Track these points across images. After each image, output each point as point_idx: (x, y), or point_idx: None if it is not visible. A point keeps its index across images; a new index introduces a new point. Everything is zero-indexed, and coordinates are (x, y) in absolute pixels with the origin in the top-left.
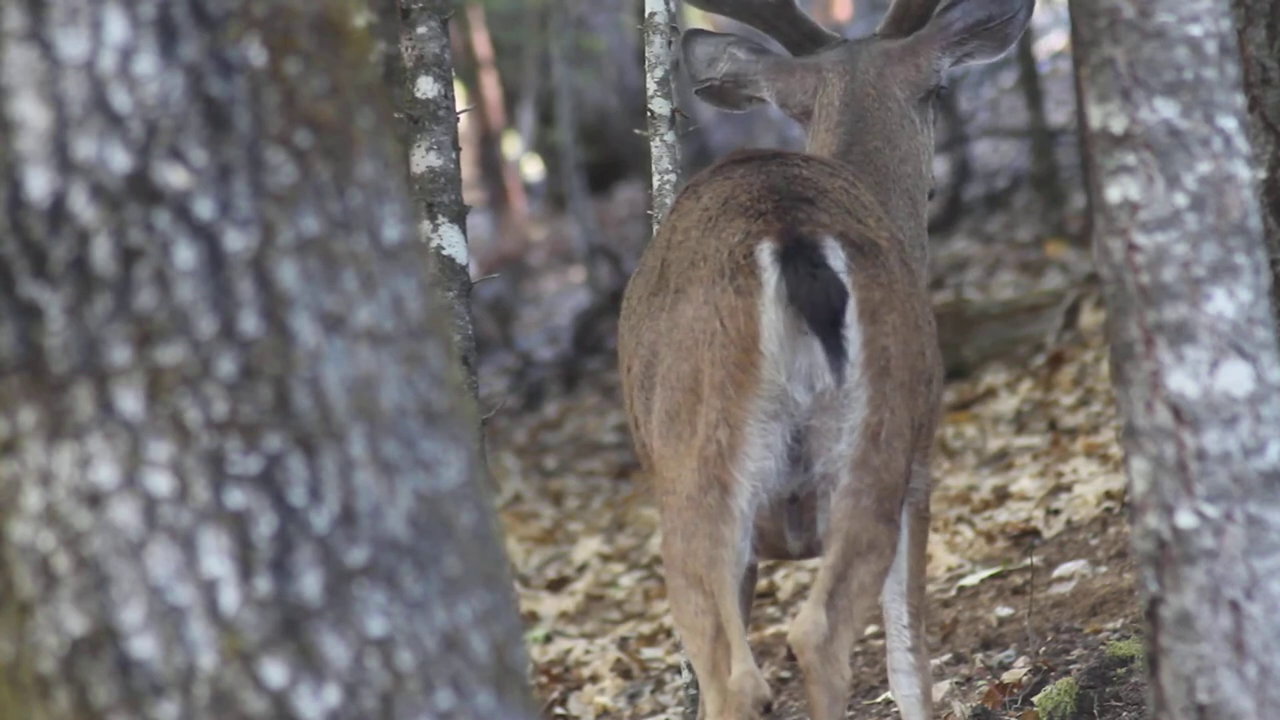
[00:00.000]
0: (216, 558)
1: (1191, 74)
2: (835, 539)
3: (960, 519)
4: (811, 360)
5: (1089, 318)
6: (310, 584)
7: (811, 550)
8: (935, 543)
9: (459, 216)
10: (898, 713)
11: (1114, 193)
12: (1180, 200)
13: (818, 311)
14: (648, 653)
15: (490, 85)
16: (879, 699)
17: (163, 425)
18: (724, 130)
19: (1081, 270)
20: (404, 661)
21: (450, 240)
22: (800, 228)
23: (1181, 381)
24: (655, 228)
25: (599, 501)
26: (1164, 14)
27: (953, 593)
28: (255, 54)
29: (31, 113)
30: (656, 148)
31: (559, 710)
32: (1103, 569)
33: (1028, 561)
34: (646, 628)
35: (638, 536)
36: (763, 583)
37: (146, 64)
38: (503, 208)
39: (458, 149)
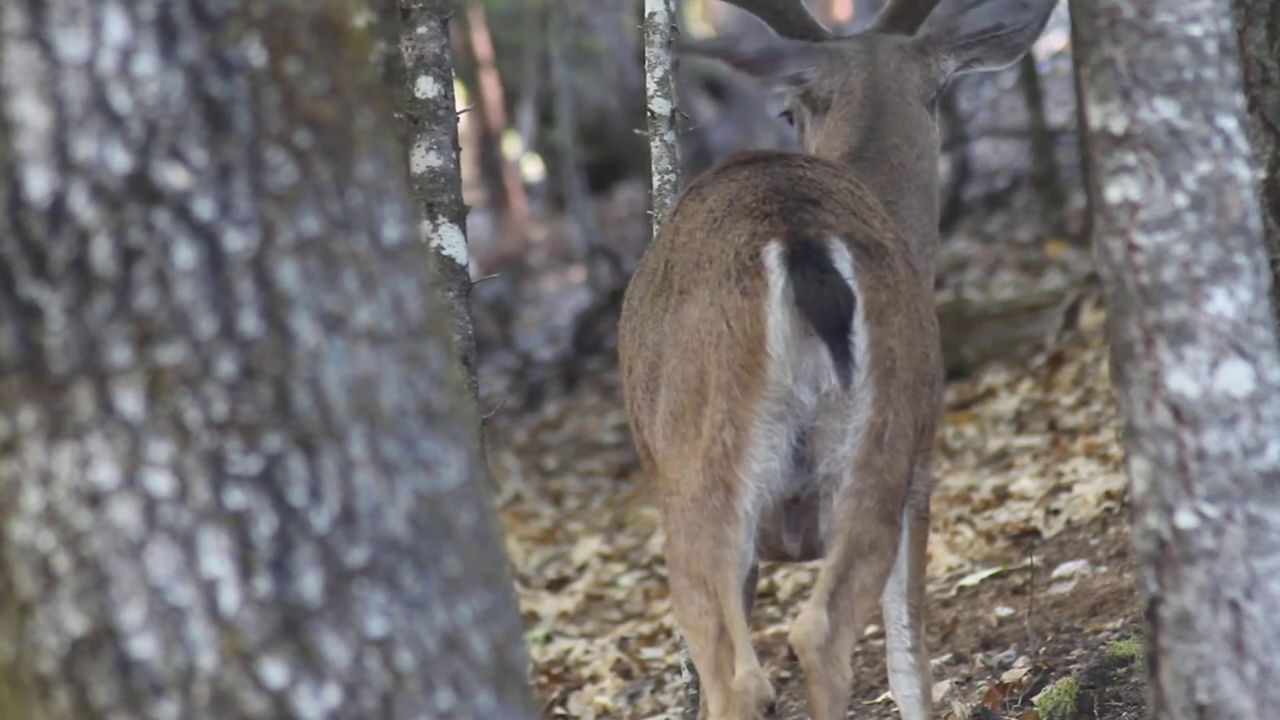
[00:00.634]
0: (216, 558)
1: (1191, 74)
2: (837, 540)
3: (960, 519)
4: (817, 361)
5: (1089, 318)
6: (310, 584)
7: (810, 552)
8: (935, 543)
9: (459, 216)
10: (898, 713)
11: (1114, 193)
12: (1180, 200)
13: (826, 317)
14: (648, 653)
15: (490, 85)
16: (879, 699)
17: (163, 425)
18: (724, 130)
19: (1081, 270)
20: (404, 661)
21: (450, 240)
22: (806, 230)
23: (1181, 381)
24: (655, 228)
25: (599, 501)
26: (1164, 14)
27: (953, 593)
28: (255, 54)
29: (31, 113)
30: (656, 148)
31: (559, 710)
32: (1103, 569)
33: (1028, 561)
34: (646, 628)
35: (638, 536)
36: (763, 583)
37: (146, 64)
38: (503, 208)
39: (458, 149)
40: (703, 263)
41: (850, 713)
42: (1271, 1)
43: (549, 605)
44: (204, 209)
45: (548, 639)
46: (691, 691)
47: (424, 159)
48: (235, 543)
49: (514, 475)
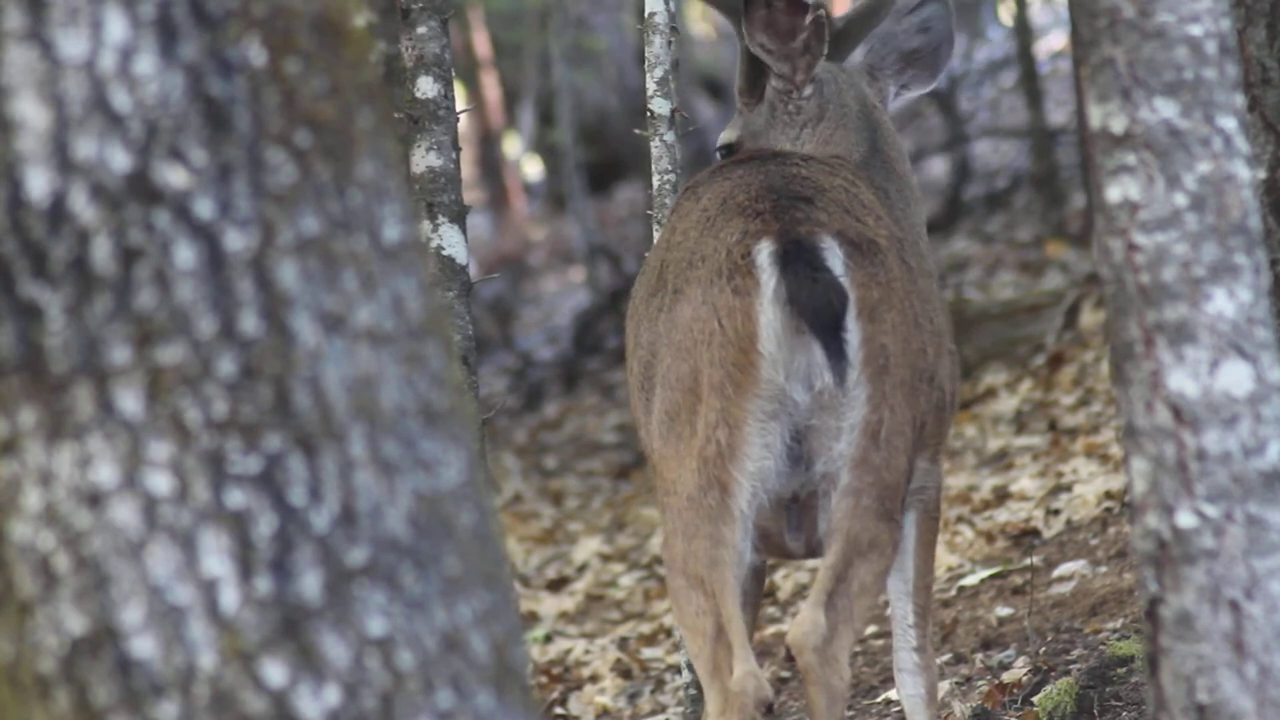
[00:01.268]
0: (216, 558)
1: (1191, 74)
2: (835, 538)
3: (960, 519)
4: (810, 359)
5: (1089, 318)
6: (310, 584)
7: (813, 550)
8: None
9: (459, 216)
10: (899, 712)
11: (1114, 193)
12: (1180, 200)
13: (818, 315)
14: (648, 653)
15: (490, 85)
16: (879, 699)
17: (163, 425)
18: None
19: (1081, 270)
20: (404, 661)
21: (450, 240)
22: (798, 228)
23: (1181, 381)
24: (655, 228)
25: (599, 501)
26: (1164, 14)
27: (953, 593)
28: (255, 54)
29: (31, 113)
30: (656, 148)
31: (559, 710)
32: (1103, 569)
33: (1028, 561)
34: (646, 628)
35: (638, 536)
36: None
37: (146, 64)
38: (503, 208)
39: (458, 149)
40: (695, 262)
41: (850, 713)
42: (1271, 1)
43: (549, 605)
44: (204, 209)
45: (548, 639)
46: (691, 691)
47: (424, 159)
48: (235, 543)
49: (514, 475)
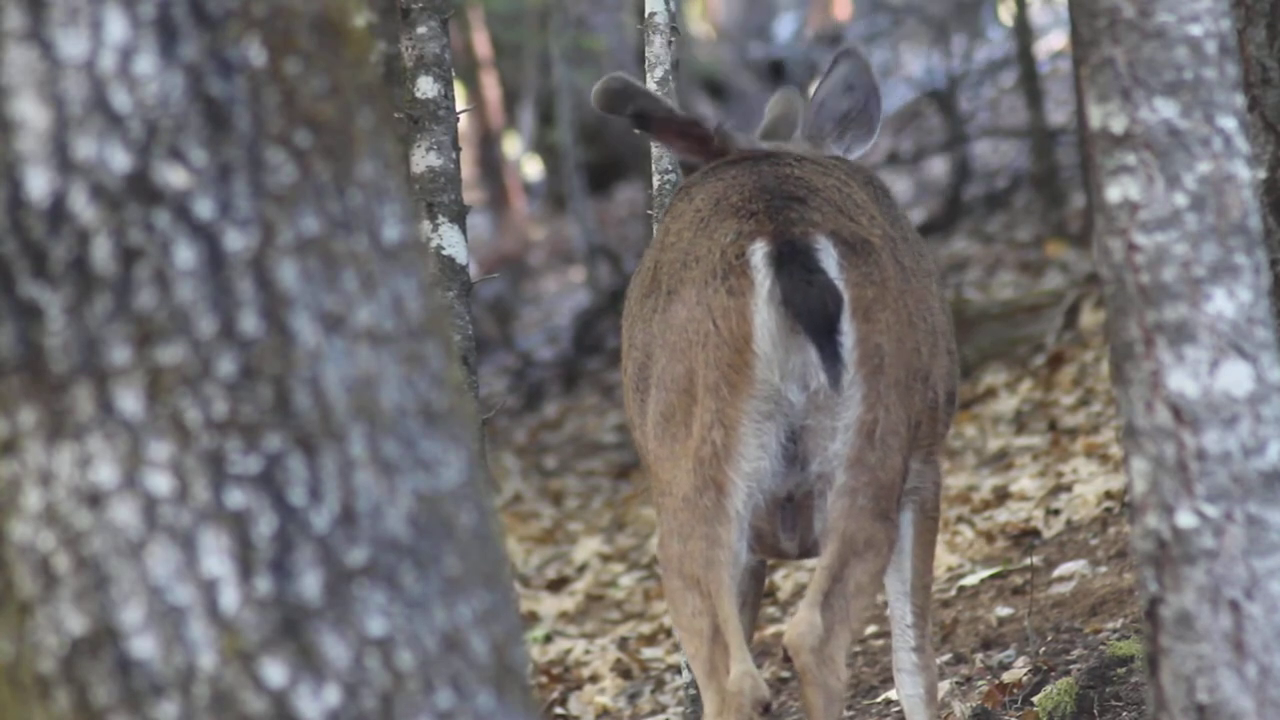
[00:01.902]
0: (216, 558)
1: (1191, 74)
2: (831, 539)
3: (960, 519)
4: (805, 359)
5: (1089, 318)
6: (310, 584)
7: (807, 551)
8: (936, 542)
9: (459, 216)
10: (899, 712)
11: (1114, 193)
12: (1180, 200)
13: (813, 317)
14: (648, 653)
15: (490, 85)
16: (879, 699)
17: (163, 425)
18: None
19: (1081, 270)
20: (404, 661)
21: (450, 240)
22: (792, 228)
23: (1181, 381)
24: (655, 228)
25: (599, 501)
26: (1164, 14)
27: (953, 593)
28: (255, 54)
29: (31, 113)
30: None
31: (559, 710)
32: (1103, 569)
33: (1028, 561)
34: (646, 628)
35: (638, 536)
36: None
37: (146, 64)
38: (503, 208)
39: (458, 149)
40: (689, 262)
41: (850, 713)
42: (1271, 1)
43: (549, 605)
44: (204, 209)
45: (548, 639)
46: (691, 692)
47: (424, 159)
48: (235, 543)
49: (514, 475)
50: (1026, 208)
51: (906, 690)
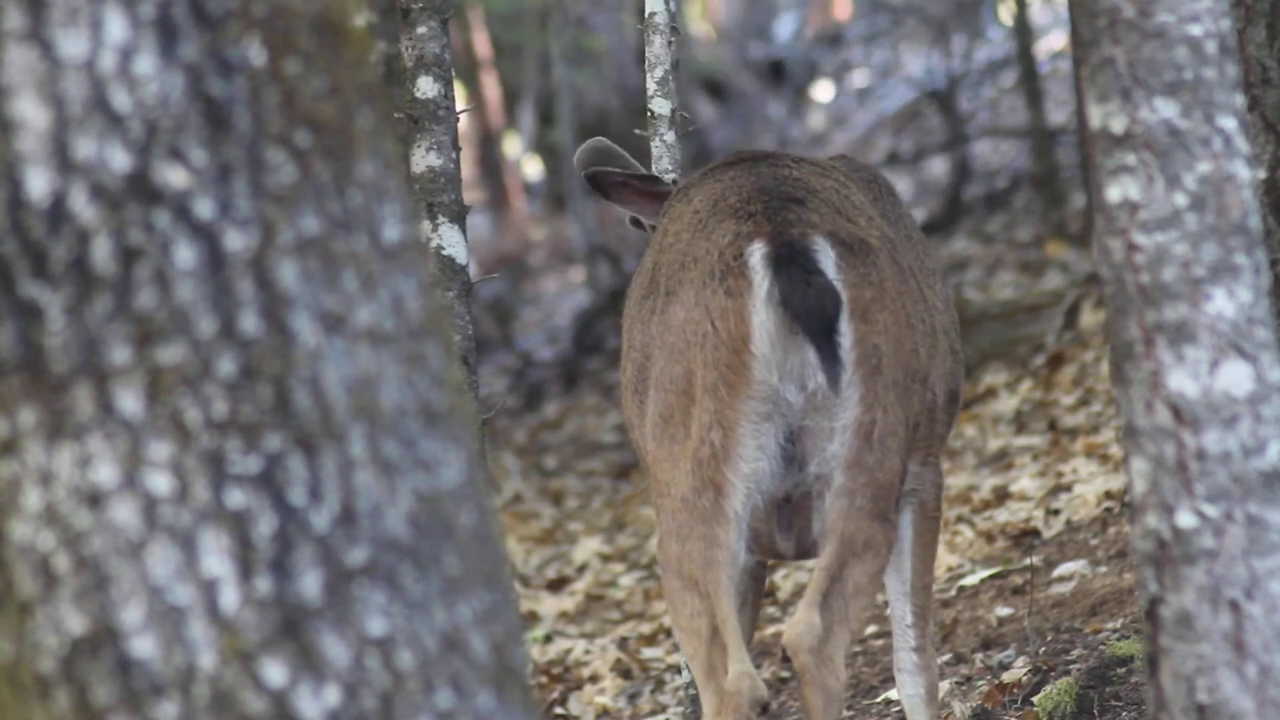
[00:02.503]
0: (216, 558)
1: (1191, 74)
2: (830, 539)
3: (960, 519)
4: (803, 360)
5: (1089, 318)
6: (310, 584)
7: (804, 551)
8: (938, 542)
9: (459, 216)
10: (899, 712)
11: (1114, 193)
12: (1180, 200)
13: (811, 318)
14: (648, 653)
15: (490, 85)
16: (879, 699)
17: (163, 425)
18: (724, 130)
19: (1081, 270)
20: (404, 661)
21: (450, 240)
22: (790, 229)
23: (1181, 381)
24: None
25: (599, 501)
26: (1164, 14)
27: (953, 593)
28: (255, 54)
29: (31, 113)
30: (656, 148)
31: (559, 710)
32: (1103, 569)
33: (1028, 561)
34: (646, 628)
35: (638, 536)
36: None
37: (146, 64)
38: (503, 208)
39: (458, 149)
40: (688, 263)
41: (850, 713)
42: (1271, 1)
43: (549, 605)
44: (204, 209)
45: (548, 639)
46: (691, 692)
47: (424, 159)
48: (235, 543)
49: (514, 475)
50: (1026, 208)
51: (907, 690)
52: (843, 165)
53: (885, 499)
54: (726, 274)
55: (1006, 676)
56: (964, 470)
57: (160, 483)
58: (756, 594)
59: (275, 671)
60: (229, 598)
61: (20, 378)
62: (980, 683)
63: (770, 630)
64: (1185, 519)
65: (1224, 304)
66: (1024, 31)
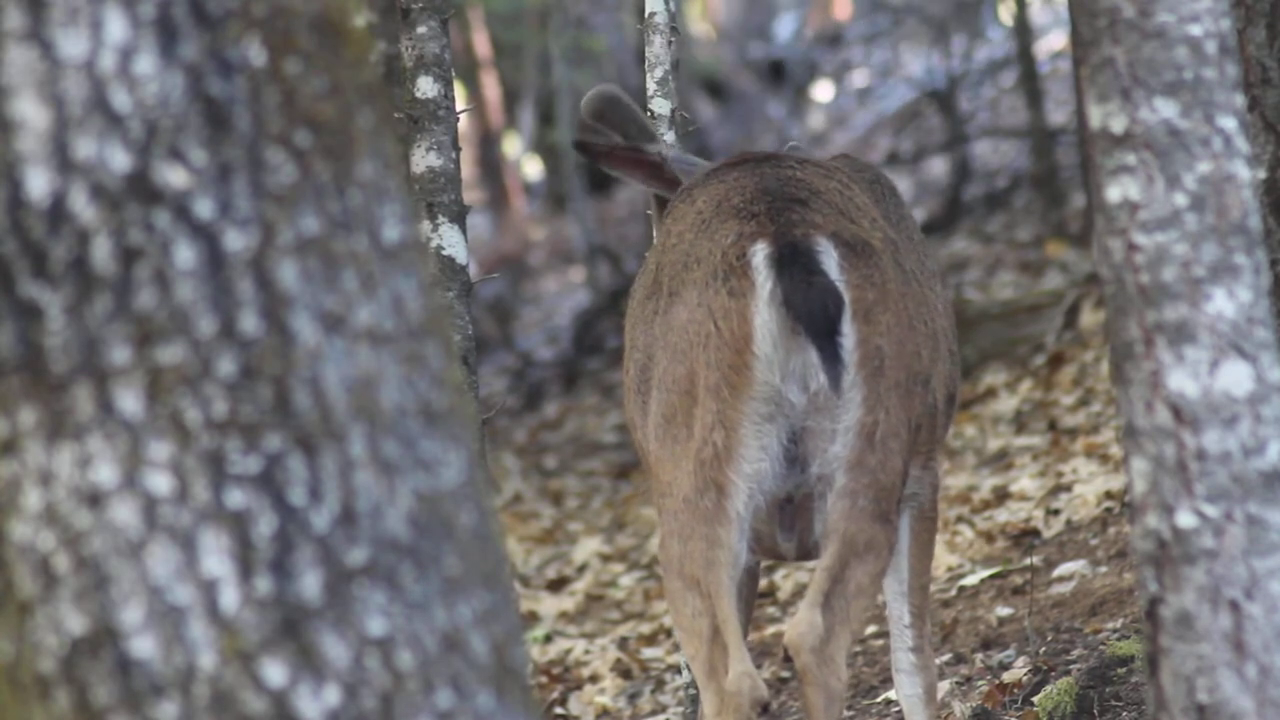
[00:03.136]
0: (216, 558)
1: (1191, 74)
2: (832, 540)
3: (960, 519)
4: (805, 360)
5: (1089, 318)
6: (310, 584)
7: (805, 552)
8: (935, 542)
9: (459, 216)
10: (899, 712)
11: (1114, 193)
12: (1180, 200)
13: (814, 319)
14: (648, 653)
15: (490, 85)
16: (879, 699)
17: (163, 425)
18: (724, 130)
19: (1081, 270)
20: (404, 661)
21: (450, 240)
22: (793, 230)
23: (1181, 381)
24: (655, 229)
25: (599, 501)
26: (1164, 14)
27: (953, 593)
28: (255, 54)
29: (31, 113)
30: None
31: (559, 710)
32: (1103, 569)
33: (1028, 561)
34: (646, 628)
35: (638, 536)
36: (763, 583)
37: (146, 64)
38: (503, 208)
39: (458, 149)
40: (690, 264)
41: (850, 713)
42: (1271, 1)
43: (549, 605)
44: (204, 209)
45: (548, 639)
46: (691, 691)
47: (424, 159)
48: (235, 543)
49: (514, 475)
50: (1026, 208)
51: (905, 690)
52: (845, 166)
53: (887, 500)
54: (730, 274)
55: (1006, 676)
56: (964, 470)
57: (160, 483)
58: (751, 592)
59: (275, 671)
60: (229, 598)
61: (20, 378)
62: (980, 683)
63: (770, 630)
64: (1185, 519)
65: (1224, 304)
66: (1024, 31)
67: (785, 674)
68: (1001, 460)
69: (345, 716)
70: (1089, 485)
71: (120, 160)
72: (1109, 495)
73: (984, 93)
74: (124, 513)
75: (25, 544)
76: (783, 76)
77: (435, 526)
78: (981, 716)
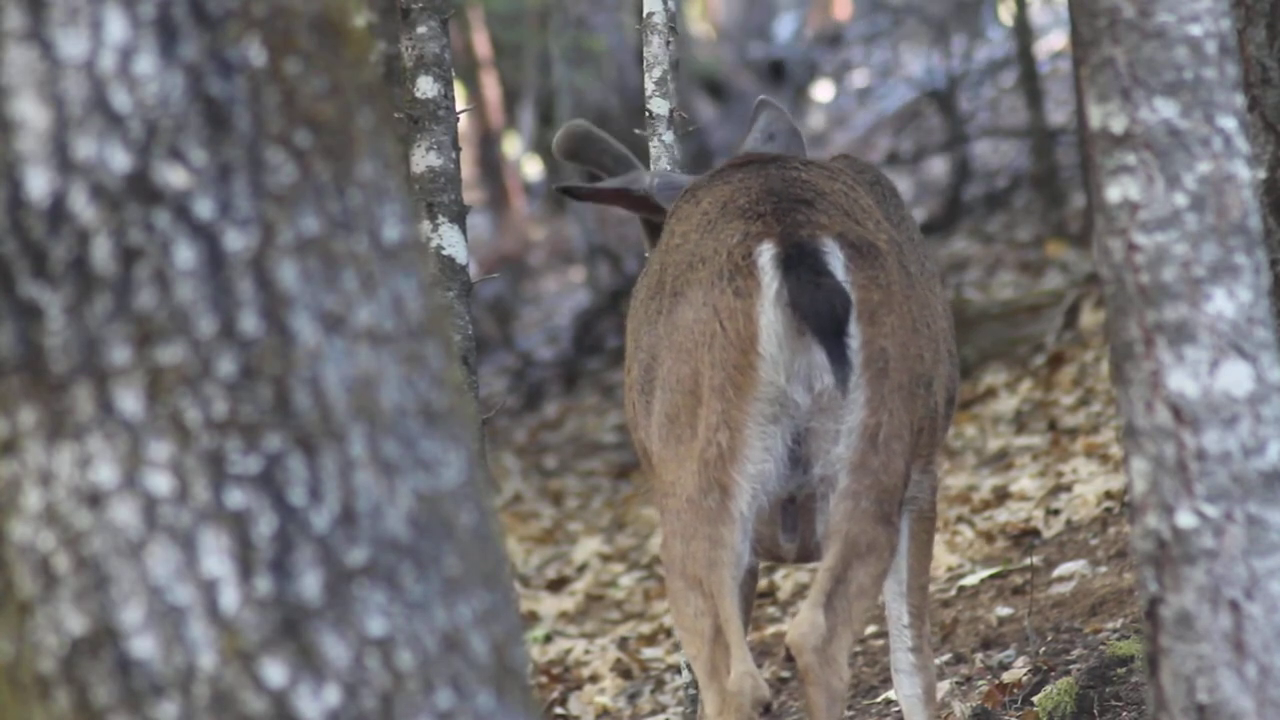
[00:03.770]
0: (216, 558)
1: (1191, 74)
2: (834, 541)
3: (960, 519)
4: (810, 361)
5: (1089, 318)
6: (310, 584)
7: (806, 554)
8: (935, 542)
9: (459, 216)
10: (898, 712)
11: (1114, 193)
12: (1180, 200)
13: (820, 320)
14: (648, 653)
15: (490, 85)
16: (879, 699)
17: (163, 425)
18: (724, 130)
19: (1081, 270)
20: (404, 661)
21: (450, 240)
22: (800, 230)
23: (1181, 381)
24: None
25: (599, 501)
26: (1164, 14)
27: (953, 593)
28: (255, 54)
29: (31, 113)
30: (655, 147)
31: (559, 710)
32: (1103, 569)
33: (1028, 561)
34: (646, 628)
35: (638, 536)
36: (763, 583)
37: (146, 64)
38: (503, 208)
39: (458, 149)
40: (696, 264)
41: (850, 713)
42: (1271, 1)
43: (549, 605)
44: (204, 209)
45: (548, 639)
46: (691, 692)
47: (424, 159)
48: (235, 543)
49: (514, 475)
50: (1026, 208)
51: (904, 690)
52: (846, 166)
53: (889, 501)
54: (735, 274)
55: (1006, 676)
56: (964, 470)
57: (160, 483)
58: (751, 590)
59: (275, 671)
60: (229, 598)
61: (20, 378)
62: (980, 683)
63: (771, 630)
64: (1185, 519)
65: (1224, 304)
66: (1024, 31)
67: (786, 674)
68: (1001, 460)
69: (345, 716)
70: (1089, 485)
71: (120, 160)
72: (1109, 495)
73: (984, 93)
74: (124, 513)
75: (25, 544)
76: (783, 76)
77: (435, 526)
78: (981, 716)
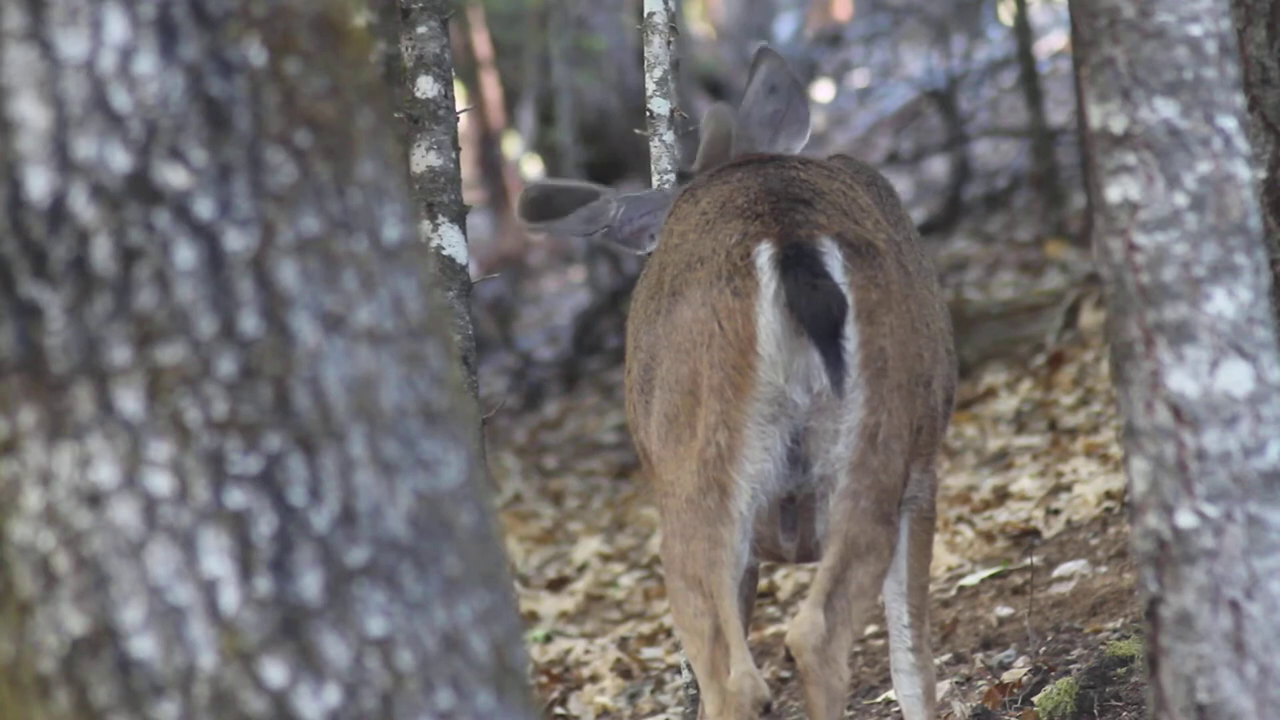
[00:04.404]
0: (216, 558)
1: (1191, 74)
2: (834, 541)
3: (960, 519)
4: (808, 361)
5: (1089, 318)
6: (310, 584)
7: (806, 554)
8: (935, 542)
9: (459, 216)
10: (898, 712)
11: (1114, 193)
12: (1180, 200)
13: (818, 320)
14: (648, 653)
15: (490, 85)
16: (879, 699)
17: (163, 425)
18: None
19: (1081, 270)
20: (404, 661)
21: (450, 240)
22: (798, 230)
23: (1181, 381)
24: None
25: (599, 501)
26: (1164, 14)
27: (953, 593)
28: (255, 54)
29: (31, 113)
30: (655, 147)
31: (559, 710)
32: (1103, 569)
33: (1028, 561)
34: (646, 628)
35: (638, 536)
36: (763, 583)
37: (146, 64)
38: (503, 208)
39: (458, 149)
40: (694, 264)
41: (850, 712)
42: (1271, 1)
43: (549, 605)
44: (204, 209)
45: (548, 639)
46: (691, 692)
47: (424, 159)
48: (235, 543)
49: (514, 475)
50: (1026, 208)
51: (904, 690)
52: (844, 165)
53: (889, 501)
54: (734, 274)
55: (1006, 676)
56: (964, 470)
57: (160, 483)
58: (751, 590)
59: (275, 671)
60: (229, 598)
61: (20, 378)
62: (980, 683)
63: (771, 630)
64: (1185, 519)
65: (1224, 304)
66: (1024, 31)
67: (786, 674)
68: (1001, 460)
69: (345, 716)
70: (1089, 485)
71: (120, 160)
72: (1109, 495)
73: (984, 93)
74: (124, 513)
75: (25, 544)
76: None
77: (435, 526)
78: (981, 716)
